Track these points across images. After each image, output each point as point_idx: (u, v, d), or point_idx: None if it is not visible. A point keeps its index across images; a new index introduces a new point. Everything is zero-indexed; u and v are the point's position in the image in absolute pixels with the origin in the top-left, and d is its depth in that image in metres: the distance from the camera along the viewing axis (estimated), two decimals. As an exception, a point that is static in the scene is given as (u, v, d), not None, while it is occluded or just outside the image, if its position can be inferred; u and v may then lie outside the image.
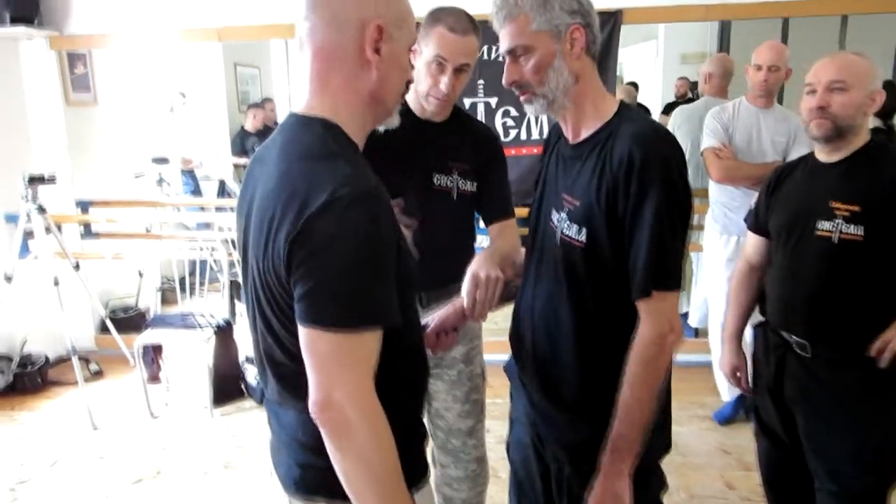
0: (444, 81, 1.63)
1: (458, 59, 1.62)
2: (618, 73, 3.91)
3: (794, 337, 1.63)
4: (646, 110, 5.40)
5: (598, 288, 1.21)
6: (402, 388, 1.04)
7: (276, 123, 5.48)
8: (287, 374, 0.99)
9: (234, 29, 3.49)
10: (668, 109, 5.16)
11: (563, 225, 1.25)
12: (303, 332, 0.89)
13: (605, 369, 1.21)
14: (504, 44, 1.23)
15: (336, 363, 0.88)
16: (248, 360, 3.49)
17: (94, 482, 2.70)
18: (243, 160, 5.36)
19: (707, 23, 6.34)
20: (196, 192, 5.45)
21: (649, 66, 6.86)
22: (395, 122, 1.10)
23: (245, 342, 3.49)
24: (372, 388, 0.90)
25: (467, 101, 3.44)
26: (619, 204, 1.15)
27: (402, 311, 0.97)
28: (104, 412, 3.23)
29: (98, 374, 3.68)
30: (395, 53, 1.01)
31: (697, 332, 3.66)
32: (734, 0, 3.22)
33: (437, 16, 1.65)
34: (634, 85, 6.41)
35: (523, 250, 1.52)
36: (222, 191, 5.60)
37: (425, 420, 1.89)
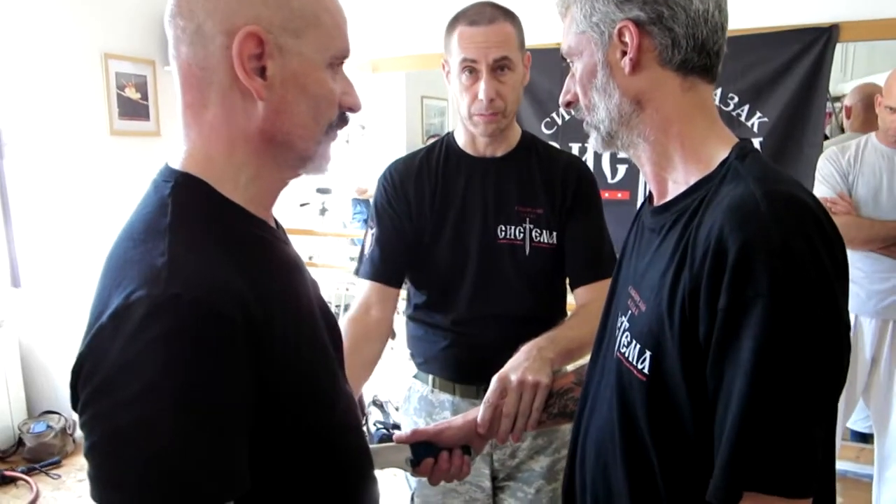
0: (482, 87, 1.25)
1: (488, 53, 1.24)
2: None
3: None
4: None
5: (669, 453, 0.74)
6: None
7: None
8: None
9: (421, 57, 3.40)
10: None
11: (623, 338, 0.80)
12: None
13: None
14: None
15: None
16: (374, 402, 3.33)
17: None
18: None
19: None
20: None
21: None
22: (322, 169, 0.77)
23: (373, 383, 3.35)
24: None
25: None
26: (700, 323, 0.68)
27: (317, 451, 0.69)
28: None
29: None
30: (295, 74, 0.69)
31: (866, 438, 2.77)
32: None
33: (456, 16, 1.29)
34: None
35: None
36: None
37: None
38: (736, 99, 2.79)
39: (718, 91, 2.80)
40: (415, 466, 1.06)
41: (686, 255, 0.71)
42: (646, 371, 0.75)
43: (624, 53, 0.77)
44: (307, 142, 0.73)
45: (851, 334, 2.22)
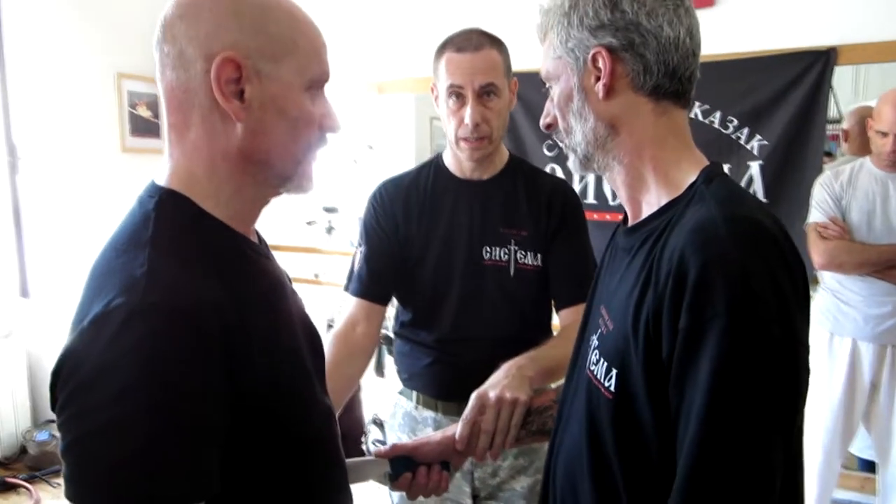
0: (468, 112, 1.28)
1: (475, 79, 1.28)
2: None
3: None
4: None
5: (634, 471, 0.75)
6: None
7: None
8: None
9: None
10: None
11: (593, 356, 0.82)
12: None
13: None
14: None
15: None
16: (373, 421, 3.33)
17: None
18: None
19: None
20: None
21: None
22: (303, 188, 0.80)
23: (374, 402, 3.35)
24: None
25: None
26: (663, 342, 0.69)
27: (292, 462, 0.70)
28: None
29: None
30: (273, 97, 0.72)
31: (874, 467, 2.66)
32: None
33: (444, 42, 1.33)
34: None
35: None
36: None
37: None
38: (735, 122, 2.81)
39: (718, 114, 2.82)
40: (393, 481, 1.07)
41: (651, 275, 0.73)
42: (612, 389, 0.76)
43: (598, 79, 0.79)
44: (285, 161, 0.76)
45: (848, 359, 2.22)
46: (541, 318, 1.47)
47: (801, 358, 0.67)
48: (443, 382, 1.42)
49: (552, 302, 1.47)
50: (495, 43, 1.33)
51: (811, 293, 2.52)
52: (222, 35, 0.69)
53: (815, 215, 2.23)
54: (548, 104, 0.87)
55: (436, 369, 1.43)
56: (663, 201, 0.79)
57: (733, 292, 0.64)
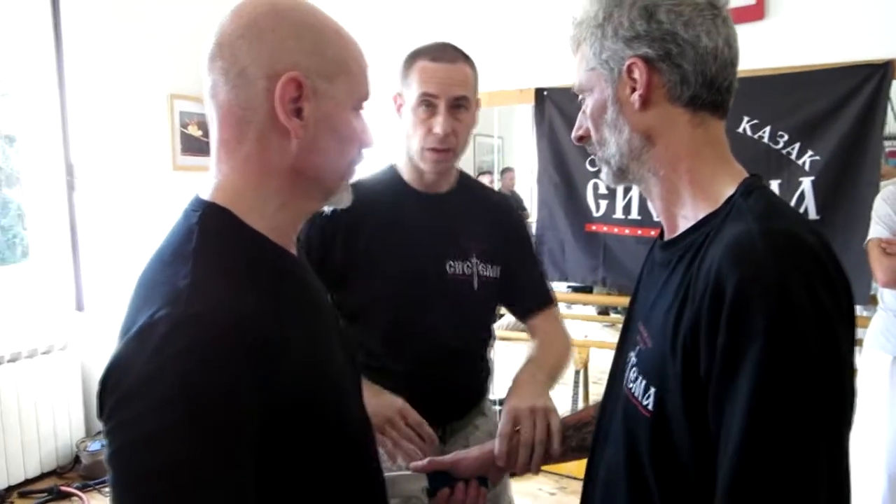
0: (439, 121, 1.25)
1: (449, 90, 1.26)
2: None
3: None
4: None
5: (671, 491, 0.73)
6: None
7: (512, 192, 5.51)
8: None
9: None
10: None
11: (630, 374, 0.81)
12: None
13: None
14: None
15: None
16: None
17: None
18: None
19: None
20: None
21: None
22: (343, 201, 0.81)
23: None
24: None
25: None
26: (700, 359, 0.68)
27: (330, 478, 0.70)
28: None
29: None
30: (327, 115, 0.74)
31: None
32: None
33: (416, 51, 1.31)
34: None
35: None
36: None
37: None
38: (786, 137, 2.73)
39: (767, 129, 2.75)
40: (431, 496, 1.07)
41: (688, 292, 0.71)
42: (650, 407, 0.75)
43: (633, 90, 0.78)
44: (333, 176, 0.79)
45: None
46: (490, 329, 1.48)
47: (844, 375, 0.65)
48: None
49: (500, 311, 1.50)
50: (468, 59, 1.33)
51: (869, 314, 2.42)
52: (285, 55, 0.72)
53: (878, 230, 2.16)
54: (580, 116, 0.86)
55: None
56: (700, 215, 0.77)
57: (771, 308, 0.63)
